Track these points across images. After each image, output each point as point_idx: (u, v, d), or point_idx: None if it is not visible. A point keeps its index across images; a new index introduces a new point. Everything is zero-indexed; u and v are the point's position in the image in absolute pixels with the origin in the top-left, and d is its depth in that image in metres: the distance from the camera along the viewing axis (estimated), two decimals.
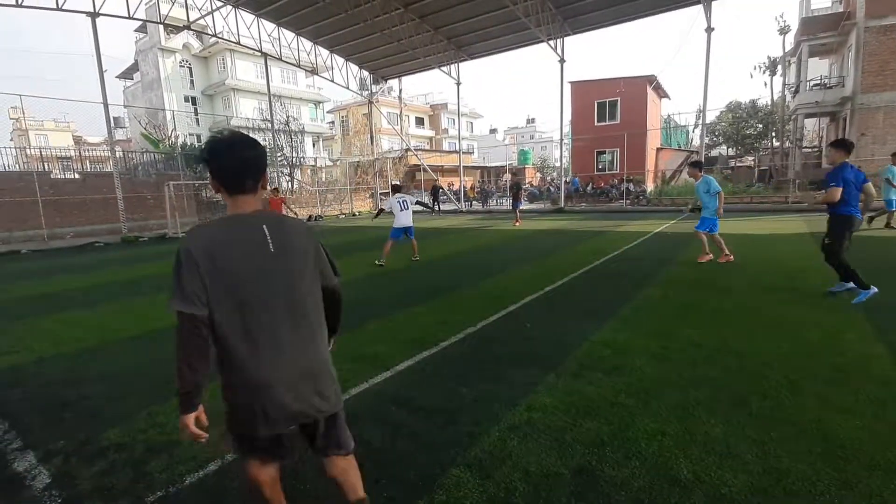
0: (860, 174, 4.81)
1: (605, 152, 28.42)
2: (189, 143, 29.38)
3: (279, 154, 24.56)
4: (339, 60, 24.48)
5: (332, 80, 24.89)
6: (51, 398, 3.36)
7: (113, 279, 8.40)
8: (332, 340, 1.76)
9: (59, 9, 15.85)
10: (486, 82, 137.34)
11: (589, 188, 26.43)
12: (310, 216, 22.76)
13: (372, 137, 28.54)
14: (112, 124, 17.66)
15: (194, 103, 36.95)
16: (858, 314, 4.41)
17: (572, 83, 27.96)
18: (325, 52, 23.73)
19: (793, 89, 25.25)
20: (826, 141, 24.99)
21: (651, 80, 27.62)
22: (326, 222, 21.52)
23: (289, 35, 22.02)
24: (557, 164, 37.85)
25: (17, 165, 17.98)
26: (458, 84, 24.65)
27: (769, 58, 31.31)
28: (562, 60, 20.72)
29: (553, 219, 17.89)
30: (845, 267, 4.85)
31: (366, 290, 6.54)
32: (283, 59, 22.48)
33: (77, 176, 18.01)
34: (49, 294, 7.26)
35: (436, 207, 24.46)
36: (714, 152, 39.00)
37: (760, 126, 37.29)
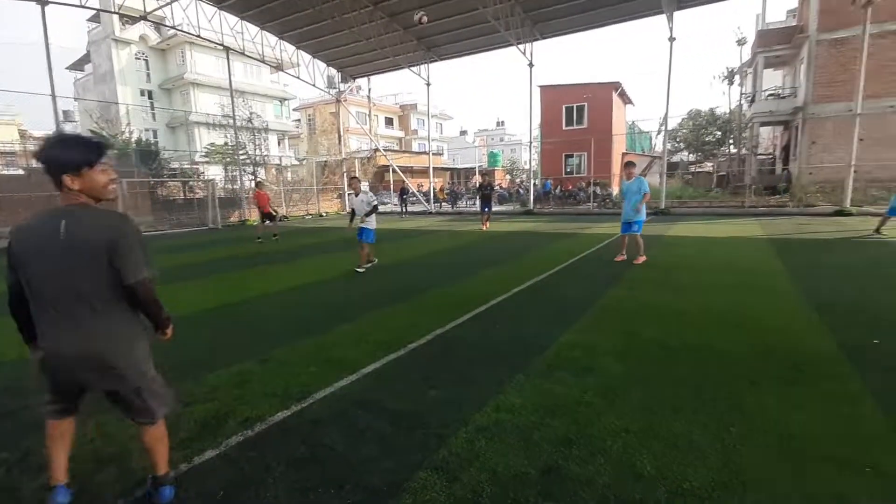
0: None
1: (573, 156, 28.96)
2: (144, 140, 28.06)
3: (241, 151, 23.72)
4: (306, 57, 23.87)
5: (299, 77, 24.30)
6: None
7: None
8: (159, 333, 1.98)
9: None
10: (456, 84, 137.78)
11: (557, 191, 26.88)
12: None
13: (340, 137, 28.08)
14: (60, 118, 16.64)
15: (150, 97, 35.24)
16: (814, 315, 4.63)
17: (541, 87, 28.40)
18: (290, 48, 23.08)
19: (749, 99, 26.43)
20: (780, 149, 26.33)
21: (616, 86, 28.39)
22: (292, 222, 21.00)
23: (253, 29, 21.27)
24: (527, 167, 38.32)
25: None
26: (429, 85, 24.59)
27: (727, 68, 32.80)
28: (531, 64, 21.03)
29: (522, 221, 18.07)
30: None
31: (334, 293, 6.42)
32: (246, 53, 21.68)
33: (22, 172, 16.93)
34: None
35: (403, 209, 24.34)
36: (675, 158, 40.45)
37: (719, 133, 38.86)
